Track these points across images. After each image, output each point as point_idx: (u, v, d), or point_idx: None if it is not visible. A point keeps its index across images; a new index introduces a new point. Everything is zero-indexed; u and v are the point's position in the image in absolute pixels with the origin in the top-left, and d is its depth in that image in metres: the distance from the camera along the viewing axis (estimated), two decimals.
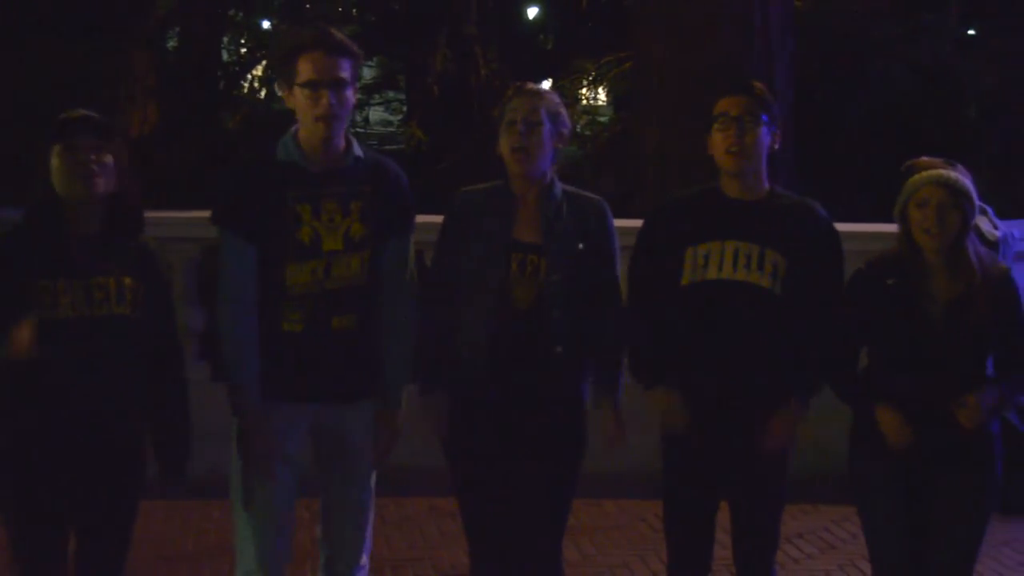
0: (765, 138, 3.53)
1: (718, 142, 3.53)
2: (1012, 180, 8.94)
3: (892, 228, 3.56)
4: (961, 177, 3.41)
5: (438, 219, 3.69)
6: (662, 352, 3.57)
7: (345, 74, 3.39)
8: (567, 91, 12.56)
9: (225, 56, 14.22)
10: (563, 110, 3.57)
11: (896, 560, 3.51)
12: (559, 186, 3.58)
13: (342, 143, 3.48)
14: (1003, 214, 4.75)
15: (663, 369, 3.55)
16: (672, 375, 3.54)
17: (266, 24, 13.95)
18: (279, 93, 3.54)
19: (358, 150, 3.52)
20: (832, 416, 4.10)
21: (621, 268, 3.66)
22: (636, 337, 3.61)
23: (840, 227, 3.68)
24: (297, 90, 3.39)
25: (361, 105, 14.17)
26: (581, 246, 3.52)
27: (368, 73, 14.19)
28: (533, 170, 3.51)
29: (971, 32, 11.89)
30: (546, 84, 14.06)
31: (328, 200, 3.43)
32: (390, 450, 3.61)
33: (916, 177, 3.42)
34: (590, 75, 12.32)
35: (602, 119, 13.11)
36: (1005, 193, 7.88)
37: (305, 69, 3.36)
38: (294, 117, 3.50)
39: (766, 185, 3.59)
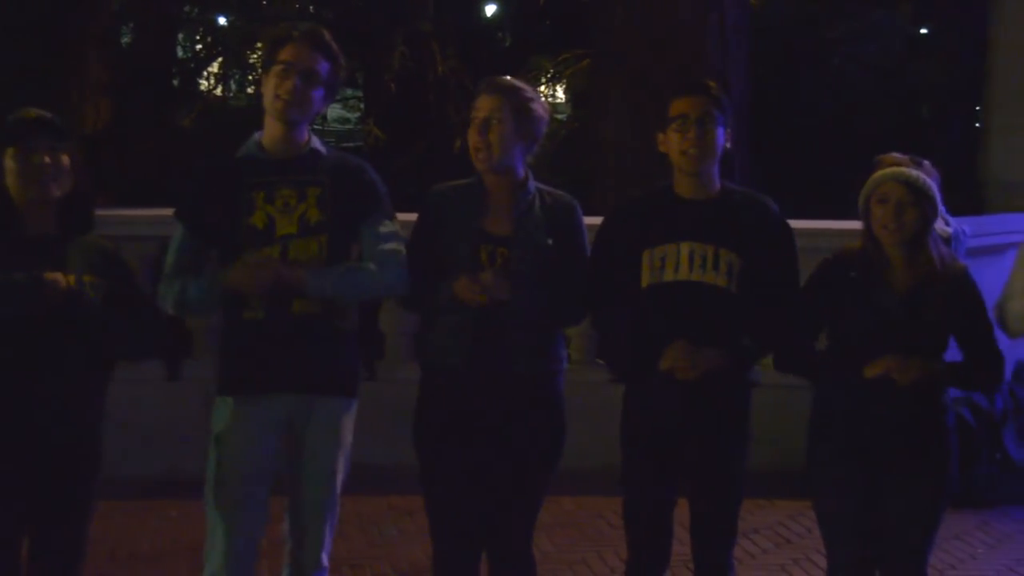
0: (721, 138, 3.57)
1: (675, 143, 3.54)
2: (964, 177, 9.05)
3: (846, 225, 3.60)
4: (923, 176, 3.45)
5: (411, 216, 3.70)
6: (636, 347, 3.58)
7: (320, 70, 3.47)
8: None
9: (180, 53, 14.11)
10: (534, 104, 3.57)
11: (852, 554, 3.54)
12: (533, 183, 3.61)
13: (303, 136, 3.55)
14: (955, 211, 4.81)
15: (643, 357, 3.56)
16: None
17: (222, 20, 13.84)
18: (258, 89, 3.58)
19: (318, 145, 3.58)
20: (787, 411, 4.15)
21: None
22: (604, 334, 3.60)
23: (794, 224, 3.71)
24: (271, 70, 3.47)
25: None
26: (550, 241, 3.55)
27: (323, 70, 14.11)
28: (494, 167, 3.54)
29: (923, 31, 12.04)
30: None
31: (283, 186, 3.48)
32: (264, 275, 3.37)
33: (878, 174, 3.46)
34: (548, 73, 12.34)
35: (560, 116, 13.14)
36: (958, 190, 7.98)
37: (284, 54, 3.46)
38: (251, 114, 3.52)
39: (718, 184, 3.62)
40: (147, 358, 3.44)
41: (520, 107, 3.52)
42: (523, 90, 3.58)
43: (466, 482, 3.58)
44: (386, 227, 3.58)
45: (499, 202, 3.56)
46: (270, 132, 3.52)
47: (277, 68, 3.45)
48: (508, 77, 3.63)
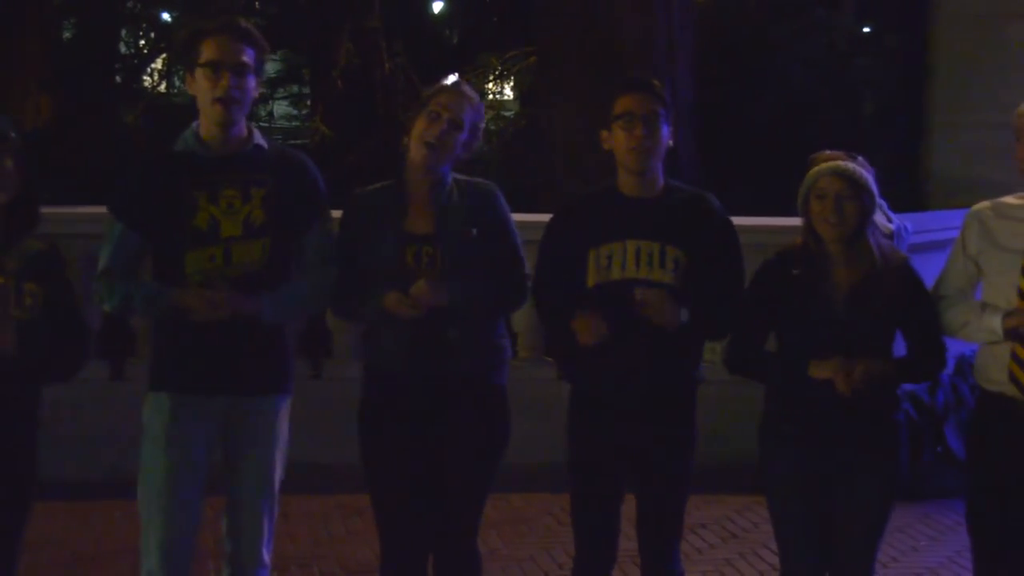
0: (666, 136, 3.59)
1: (622, 140, 3.55)
2: (906, 174, 9.17)
3: (792, 222, 3.63)
4: (859, 169, 3.48)
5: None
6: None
7: (248, 60, 3.41)
8: (473, 86, 12.56)
9: (123, 49, 13.95)
10: (483, 125, 3.62)
11: (804, 549, 3.56)
12: (449, 176, 3.61)
13: (243, 131, 3.49)
14: (898, 207, 4.87)
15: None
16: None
17: (166, 16, 13.70)
18: (186, 87, 3.52)
19: (260, 140, 3.53)
20: (735, 406, 4.18)
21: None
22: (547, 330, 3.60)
23: (741, 221, 3.74)
24: (199, 72, 3.40)
25: (265, 99, 14.02)
26: (475, 231, 3.55)
27: (272, 67, 14.05)
28: (437, 166, 3.54)
29: (866, 29, 12.17)
30: (451, 79, 13.98)
31: (226, 186, 3.43)
32: (220, 311, 3.35)
33: (815, 169, 3.49)
34: (496, 70, 12.34)
35: (508, 114, 13.15)
36: (900, 187, 8.09)
37: (208, 51, 3.39)
38: (196, 111, 3.48)
39: (662, 181, 3.64)
40: (64, 381, 3.38)
41: (475, 123, 3.57)
42: (481, 106, 3.63)
43: (412, 481, 3.57)
44: (328, 235, 3.58)
45: (418, 200, 3.55)
46: (208, 127, 3.46)
47: (206, 71, 3.38)
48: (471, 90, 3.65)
